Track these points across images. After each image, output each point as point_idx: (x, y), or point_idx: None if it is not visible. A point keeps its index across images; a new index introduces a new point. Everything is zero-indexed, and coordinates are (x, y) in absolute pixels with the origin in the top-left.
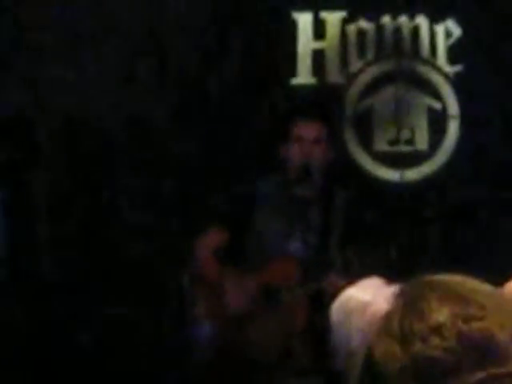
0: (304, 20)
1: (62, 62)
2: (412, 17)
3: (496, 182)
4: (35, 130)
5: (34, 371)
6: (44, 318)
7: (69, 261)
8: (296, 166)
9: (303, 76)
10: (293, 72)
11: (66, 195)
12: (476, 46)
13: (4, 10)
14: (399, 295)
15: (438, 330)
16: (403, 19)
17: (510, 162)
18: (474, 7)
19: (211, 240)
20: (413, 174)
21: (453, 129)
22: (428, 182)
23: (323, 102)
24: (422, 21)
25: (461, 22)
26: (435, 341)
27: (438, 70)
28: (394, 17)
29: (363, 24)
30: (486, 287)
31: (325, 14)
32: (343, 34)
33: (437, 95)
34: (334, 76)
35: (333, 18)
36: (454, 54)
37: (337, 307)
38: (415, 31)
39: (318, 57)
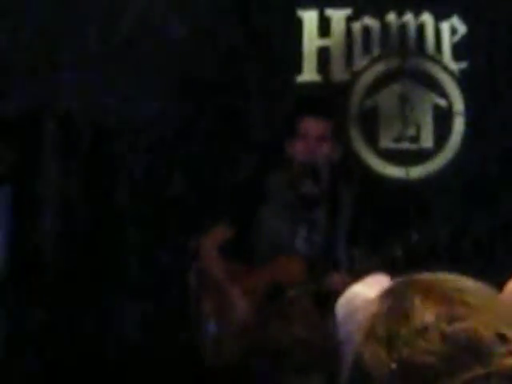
0: (309, 17)
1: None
2: (417, 14)
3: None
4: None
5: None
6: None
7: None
8: (301, 163)
9: (308, 73)
10: (298, 69)
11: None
12: (484, 44)
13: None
14: (384, 296)
15: (422, 332)
16: (408, 16)
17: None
18: (479, 4)
19: (216, 237)
20: (418, 172)
21: (458, 126)
22: (433, 179)
23: (329, 99)
24: (427, 18)
25: (466, 20)
26: (421, 344)
27: (444, 67)
28: (400, 14)
29: (368, 21)
30: (474, 285)
31: (330, 12)
32: (348, 32)
33: (442, 92)
34: (339, 73)
35: (338, 16)
36: (459, 51)
37: (342, 304)
38: (420, 28)
39: (324, 54)
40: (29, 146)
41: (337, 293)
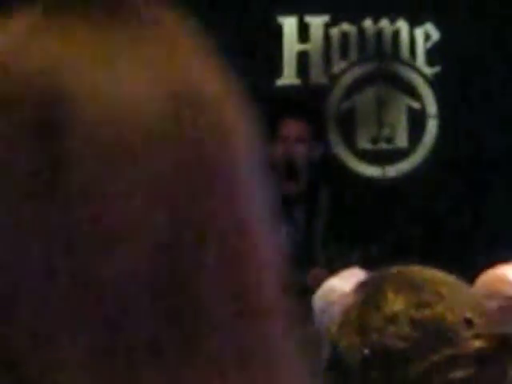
0: (289, 24)
1: None
2: (393, 21)
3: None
4: None
5: None
6: None
7: None
8: (281, 164)
9: (288, 77)
10: (279, 73)
11: None
12: (456, 49)
13: None
14: (359, 288)
15: (393, 319)
16: (384, 23)
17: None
18: (452, 12)
19: None
20: (393, 171)
21: (431, 127)
22: (408, 178)
23: (308, 101)
24: (402, 24)
25: (439, 26)
26: (391, 330)
27: (418, 71)
28: (376, 21)
29: (346, 27)
30: (442, 275)
31: (309, 19)
32: (326, 37)
33: (416, 95)
34: (317, 77)
35: (316, 22)
36: (432, 57)
37: (319, 297)
38: (396, 34)
39: (303, 59)
40: None
41: (315, 289)
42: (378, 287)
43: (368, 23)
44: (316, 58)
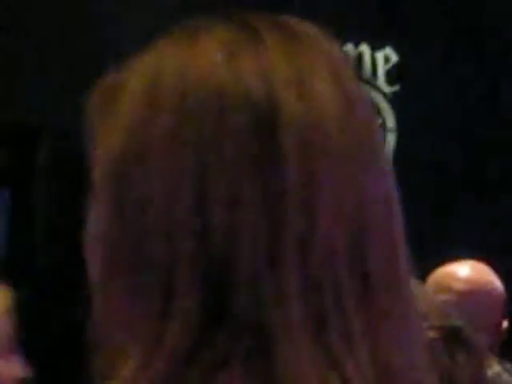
0: None
1: None
2: (356, 45)
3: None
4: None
5: None
6: None
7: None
8: None
9: None
10: None
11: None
12: (412, 71)
13: None
14: None
15: None
16: (349, 47)
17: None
18: (409, 38)
19: None
20: None
21: (390, 140)
22: None
23: None
24: (364, 49)
25: (397, 50)
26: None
27: (378, 89)
28: (342, 45)
29: None
30: None
31: None
32: None
33: (377, 111)
34: None
35: None
36: (391, 77)
37: None
38: (359, 57)
39: None
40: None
41: None
42: None
43: None
44: None
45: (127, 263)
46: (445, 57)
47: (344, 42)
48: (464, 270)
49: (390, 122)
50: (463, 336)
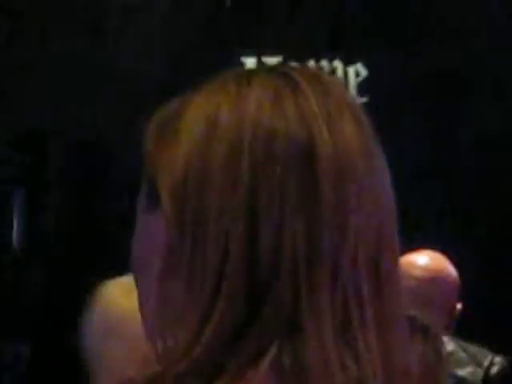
0: (250, 62)
1: None
2: (330, 61)
3: None
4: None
5: None
6: None
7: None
8: None
9: None
10: None
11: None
12: (380, 84)
13: None
14: None
15: None
16: (324, 63)
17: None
18: (377, 55)
19: None
20: None
21: None
22: None
23: None
24: (338, 64)
25: (367, 66)
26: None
27: None
28: (317, 61)
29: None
30: None
31: (265, 58)
32: None
33: None
34: None
35: (271, 61)
36: (361, 89)
37: None
38: (333, 71)
39: None
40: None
41: None
42: None
43: (311, 63)
44: None
45: (186, 266)
46: (412, 69)
47: (319, 58)
48: (422, 259)
49: None
50: (419, 324)
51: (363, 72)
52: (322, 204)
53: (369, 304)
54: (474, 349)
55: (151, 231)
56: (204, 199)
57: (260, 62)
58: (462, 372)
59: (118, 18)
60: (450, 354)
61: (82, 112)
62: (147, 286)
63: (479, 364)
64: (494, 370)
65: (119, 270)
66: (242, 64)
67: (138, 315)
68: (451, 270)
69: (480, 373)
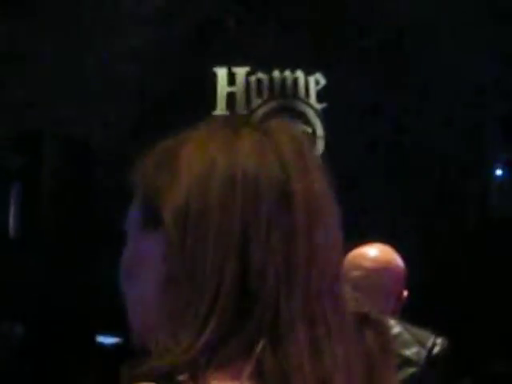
0: (221, 73)
1: None
2: (293, 71)
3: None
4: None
5: None
6: None
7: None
8: None
9: (221, 110)
10: (214, 107)
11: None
12: (335, 91)
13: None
14: None
15: None
16: (287, 73)
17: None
18: (334, 66)
19: None
20: None
21: (319, 146)
22: None
23: None
24: (299, 74)
25: (325, 75)
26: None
27: (310, 106)
28: (281, 71)
29: (261, 75)
30: None
31: (235, 69)
32: (247, 82)
33: (308, 123)
34: (241, 110)
35: (240, 72)
36: (320, 96)
37: None
38: (295, 81)
39: (231, 97)
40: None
41: None
42: None
43: (276, 73)
44: (240, 97)
45: (186, 281)
46: (358, 81)
47: (283, 68)
48: (372, 251)
49: (320, 131)
50: (371, 318)
51: (322, 81)
52: (298, 235)
53: (330, 315)
54: (418, 331)
55: (145, 247)
56: (203, 224)
57: (230, 74)
58: (408, 352)
59: None
60: (397, 335)
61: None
62: (136, 295)
63: (423, 344)
64: (436, 349)
65: (110, 258)
66: (214, 74)
67: None
68: (398, 260)
69: (424, 353)
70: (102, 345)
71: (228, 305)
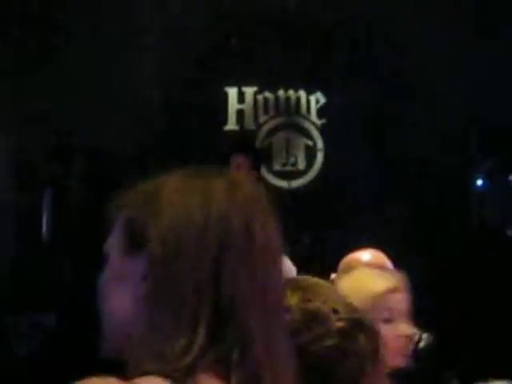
0: (232, 92)
1: None
2: (296, 91)
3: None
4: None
5: None
6: None
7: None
8: None
9: (231, 125)
10: (225, 122)
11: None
12: (335, 109)
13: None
14: None
15: (288, 309)
16: (291, 92)
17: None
18: (333, 86)
19: None
20: (296, 184)
21: (319, 157)
22: (305, 189)
23: (243, 141)
24: (302, 93)
25: (325, 95)
26: (287, 317)
27: (311, 122)
28: (285, 91)
29: (267, 94)
30: (321, 281)
31: (244, 89)
32: (255, 101)
33: (310, 137)
34: (250, 125)
35: (249, 91)
36: (320, 113)
37: None
38: (297, 99)
39: (240, 114)
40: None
41: None
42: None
43: (281, 92)
44: (248, 113)
45: (172, 300)
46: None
47: (287, 88)
48: (365, 256)
49: (320, 144)
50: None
51: (322, 100)
52: (258, 265)
53: (277, 330)
54: None
55: (127, 266)
56: (182, 254)
57: (240, 93)
58: None
59: None
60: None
61: None
62: (113, 308)
63: None
64: (422, 344)
65: None
66: (225, 93)
67: None
68: (389, 265)
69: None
70: None
71: (210, 317)
